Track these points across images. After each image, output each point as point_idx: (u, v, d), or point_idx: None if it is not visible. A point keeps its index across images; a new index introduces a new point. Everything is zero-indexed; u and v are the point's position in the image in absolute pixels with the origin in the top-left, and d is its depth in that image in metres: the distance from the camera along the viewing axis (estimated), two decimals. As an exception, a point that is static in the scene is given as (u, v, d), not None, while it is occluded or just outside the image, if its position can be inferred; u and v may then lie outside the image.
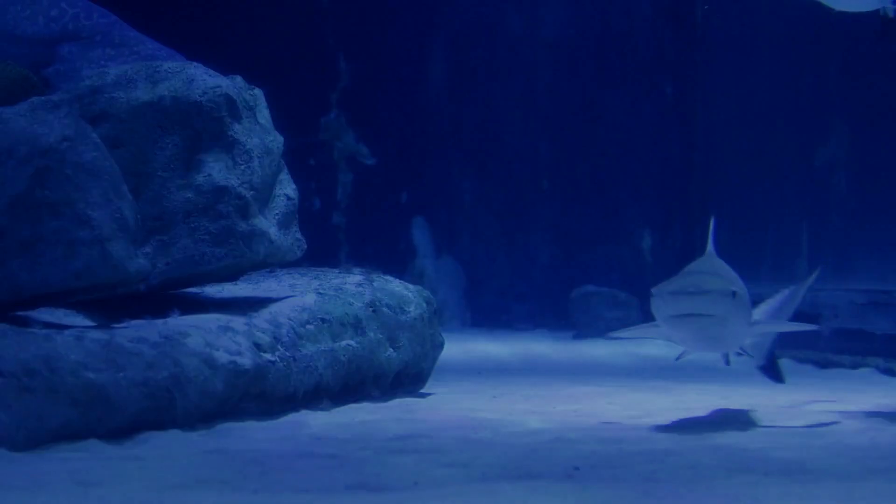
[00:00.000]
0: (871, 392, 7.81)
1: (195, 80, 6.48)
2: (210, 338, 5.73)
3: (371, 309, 6.88)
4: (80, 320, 6.20)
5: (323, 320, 6.50)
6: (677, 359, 6.59)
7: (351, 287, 6.99)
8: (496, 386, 8.00)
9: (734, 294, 5.59)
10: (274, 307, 6.41)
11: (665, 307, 5.69)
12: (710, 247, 6.35)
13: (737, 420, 6.23)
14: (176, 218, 6.32)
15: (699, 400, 7.21)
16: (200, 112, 6.41)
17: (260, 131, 6.63)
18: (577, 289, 13.82)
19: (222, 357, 5.69)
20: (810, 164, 11.24)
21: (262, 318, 6.21)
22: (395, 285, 7.28)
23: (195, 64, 6.72)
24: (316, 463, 4.67)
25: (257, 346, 5.95)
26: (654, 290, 5.70)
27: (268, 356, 5.98)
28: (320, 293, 6.77)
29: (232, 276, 6.74)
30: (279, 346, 6.09)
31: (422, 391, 7.34)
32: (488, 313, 15.02)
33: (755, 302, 6.36)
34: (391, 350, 6.92)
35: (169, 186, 6.31)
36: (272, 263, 6.86)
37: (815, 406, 6.88)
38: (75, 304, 6.18)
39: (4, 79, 6.98)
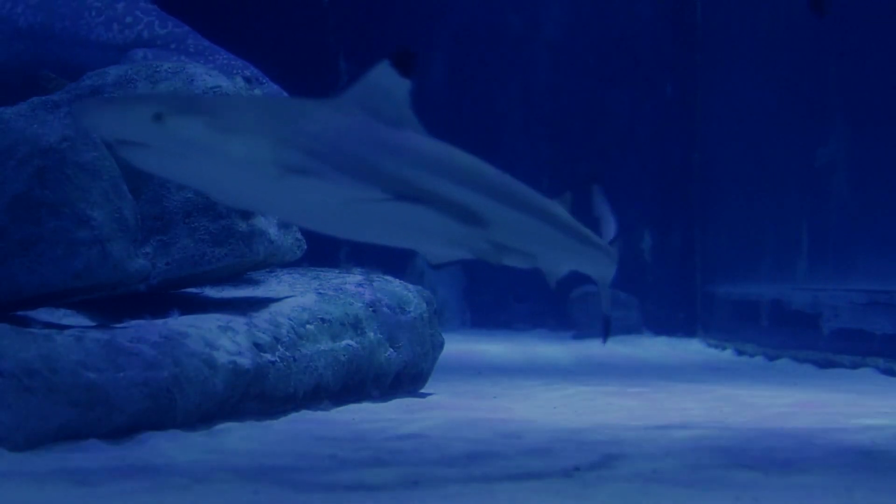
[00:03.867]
0: (871, 392, 7.81)
1: (195, 80, 6.48)
2: (210, 338, 5.73)
3: (371, 309, 6.88)
4: (80, 320, 6.20)
5: (323, 320, 6.50)
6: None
7: (351, 287, 6.99)
8: (496, 386, 8.01)
9: (159, 116, 3.82)
10: (274, 307, 6.41)
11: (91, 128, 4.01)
12: (348, 94, 4.29)
13: (737, 420, 6.23)
14: (176, 218, 6.32)
15: (700, 400, 7.20)
16: (200, 112, 6.40)
17: (260, 131, 6.62)
18: (576, 289, 13.83)
19: (222, 357, 5.69)
20: (810, 164, 11.24)
21: (262, 318, 6.21)
22: (395, 285, 7.28)
23: (195, 63, 6.73)
24: (316, 463, 4.67)
25: (257, 347, 5.95)
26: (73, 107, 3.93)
27: (268, 356, 5.98)
28: (320, 293, 6.77)
29: (232, 276, 6.74)
30: (279, 346, 6.09)
31: (422, 391, 7.34)
32: (488, 313, 15.03)
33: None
34: (391, 350, 6.92)
35: (169, 186, 6.31)
36: (272, 263, 6.86)
37: (815, 406, 6.87)
38: (75, 304, 6.18)
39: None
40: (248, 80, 7.58)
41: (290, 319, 6.32)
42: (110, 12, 8.39)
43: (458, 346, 10.57)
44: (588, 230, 5.07)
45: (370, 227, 4.32)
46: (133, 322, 5.78)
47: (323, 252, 7.66)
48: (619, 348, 12.38)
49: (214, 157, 3.89)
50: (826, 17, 6.72)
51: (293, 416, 6.06)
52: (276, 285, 7.14)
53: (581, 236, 4.99)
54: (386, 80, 4.29)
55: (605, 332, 5.65)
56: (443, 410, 6.54)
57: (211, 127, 3.86)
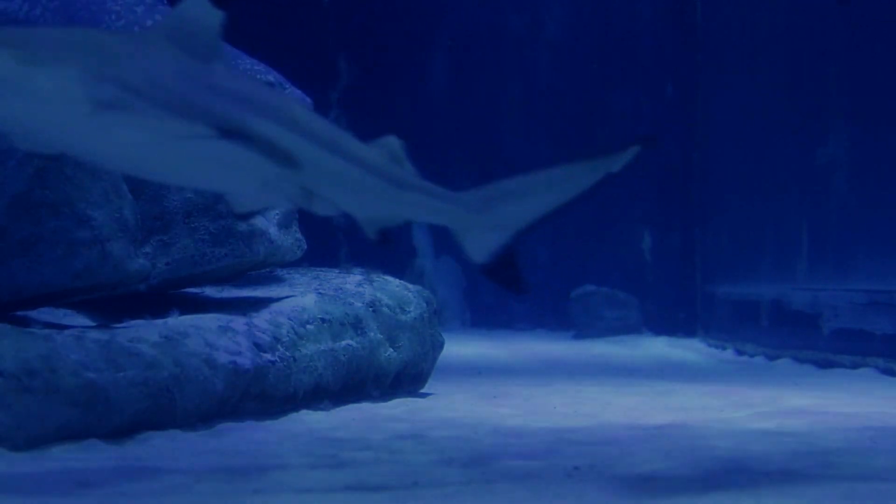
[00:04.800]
0: (871, 392, 7.81)
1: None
2: (210, 338, 5.73)
3: (371, 309, 6.88)
4: (80, 320, 6.20)
5: (323, 320, 6.50)
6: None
7: (351, 287, 7.00)
8: (496, 386, 8.00)
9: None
10: (274, 307, 6.41)
11: None
12: (159, 26, 4.19)
13: (738, 420, 6.22)
14: (176, 218, 6.32)
15: (700, 400, 7.20)
16: (200, 112, 6.40)
17: (260, 131, 6.62)
18: (576, 288, 13.85)
19: (222, 357, 5.69)
20: (810, 164, 11.24)
21: (262, 318, 6.21)
22: (395, 285, 7.29)
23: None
24: (316, 463, 4.67)
25: (257, 346, 5.95)
26: None
27: (268, 356, 5.98)
28: (320, 293, 6.77)
29: (232, 276, 6.74)
30: (279, 346, 6.09)
31: (422, 391, 7.34)
32: (488, 313, 15.03)
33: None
34: (391, 350, 6.92)
35: (169, 186, 6.31)
36: (272, 263, 6.85)
37: (816, 406, 6.86)
38: (75, 304, 6.18)
39: None
40: (270, 85, 7.57)
41: (290, 319, 6.32)
42: (130, 16, 8.36)
43: (458, 346, 10.57)
44: (421, 180, 4.71)
45: (182, 167, 4.10)
46: (133, 322, 5.78)
47: (323, 252, 7.67)
48: (619, 348, 12.38)
49: (24, 93, 3.65)
50: (850, 6, 6.61)
51: (293, 416, 6.06)
52: (276, 285, 7.15)
53: (404, 184, 4.58)
54: (198, 10, 4.05)
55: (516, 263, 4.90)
56: (443, 410, 6.54)
57: (19, 60, 3.62)
